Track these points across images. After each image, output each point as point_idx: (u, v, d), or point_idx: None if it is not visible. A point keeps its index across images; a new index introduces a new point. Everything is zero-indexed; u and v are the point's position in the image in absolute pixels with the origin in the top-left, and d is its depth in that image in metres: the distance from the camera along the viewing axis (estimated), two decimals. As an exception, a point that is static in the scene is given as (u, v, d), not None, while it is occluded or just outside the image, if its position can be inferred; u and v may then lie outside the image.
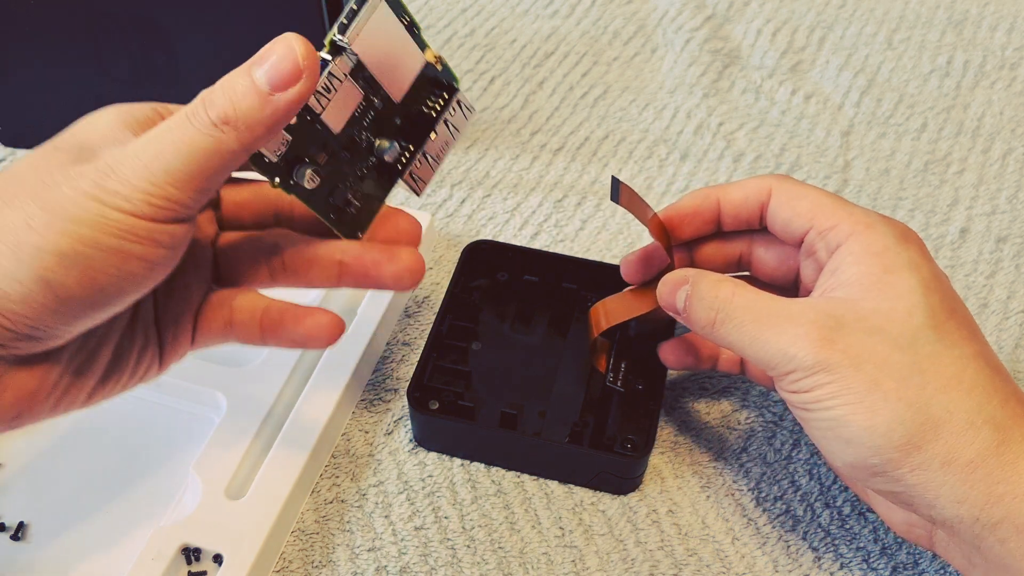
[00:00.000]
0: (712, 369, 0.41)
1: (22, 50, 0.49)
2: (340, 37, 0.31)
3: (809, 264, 0.36)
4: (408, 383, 0.40)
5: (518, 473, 0.40)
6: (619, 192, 0.36)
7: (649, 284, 0.40)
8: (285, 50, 0.27)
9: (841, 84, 0.59)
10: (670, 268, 0.38)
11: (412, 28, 0.33)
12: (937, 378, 0.30)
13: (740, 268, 0.40)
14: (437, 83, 0.35)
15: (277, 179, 0.31)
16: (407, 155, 0.35)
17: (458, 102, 0.35)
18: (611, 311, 0.40)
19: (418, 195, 0.36)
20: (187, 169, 0.27)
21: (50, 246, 0.26)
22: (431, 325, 0.43)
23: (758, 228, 0.38)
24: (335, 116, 0.32)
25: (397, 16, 0.32)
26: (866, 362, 0.31)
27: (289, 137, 0.31)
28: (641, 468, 0.39)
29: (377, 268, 0.34)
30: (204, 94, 0.28)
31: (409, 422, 0.41)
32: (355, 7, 0.31)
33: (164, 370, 0.34)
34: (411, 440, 0.41)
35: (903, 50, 0.61)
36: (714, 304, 0.33)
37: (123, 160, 0.27)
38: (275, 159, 0.31)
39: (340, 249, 0.34)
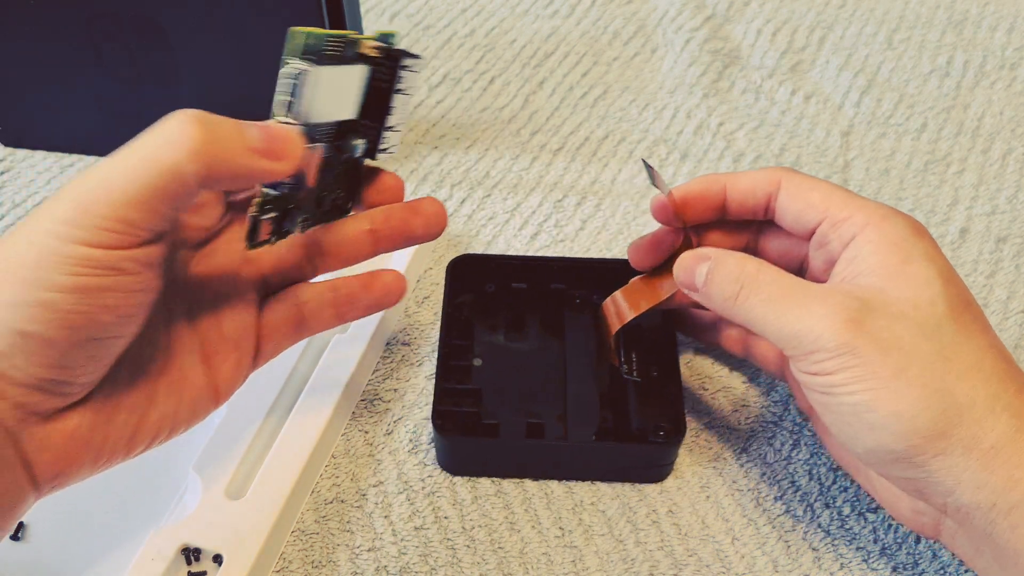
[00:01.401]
0: (715, 345, 0.42)
1: (22, 50, 0.49)
2: (289, 120, 0.30)
3: (820, 256, 0.36)
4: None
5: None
6: (653, 174, 0.36)
7: (657, 271, 0.40)
8: (283, 132, 0.29)
9: (841, 84, 0.59)
10: (682, 250, 0.37)
11: (344, 56, 0.31)
12: (959, 366, 0.31)
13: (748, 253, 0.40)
14: (385, 60, 0.33)
15: (274, 238, 0.33)
16: (374, 137, 0.34)
17: (403, 67, 0.33)
18: (627, 304, 0.40)
19: (392, 153, 0.36)
20: (145, 191, 0.26)
21: (15, 299, 0.26)
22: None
23: (763, 219, 0.38)
24: (309, 174, 0.32)
25: (330, 63, 0.30)
26: (893, 347, 0.31)
27: (273, 217, 0.32)
28: (675, 453, 0.39)
29: (407, 224, 0.37)
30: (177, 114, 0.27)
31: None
32: (293, 81, 0.29)
33: (223, 403, 0.34)
34: (433, 463, 0.40)
35: (903, 50, 0.61)
36: (740, 278, 0.33)
37: (81, 190, 0.27)
38: (270, 238, 0.33)
39: (367, 218, 0.36)
